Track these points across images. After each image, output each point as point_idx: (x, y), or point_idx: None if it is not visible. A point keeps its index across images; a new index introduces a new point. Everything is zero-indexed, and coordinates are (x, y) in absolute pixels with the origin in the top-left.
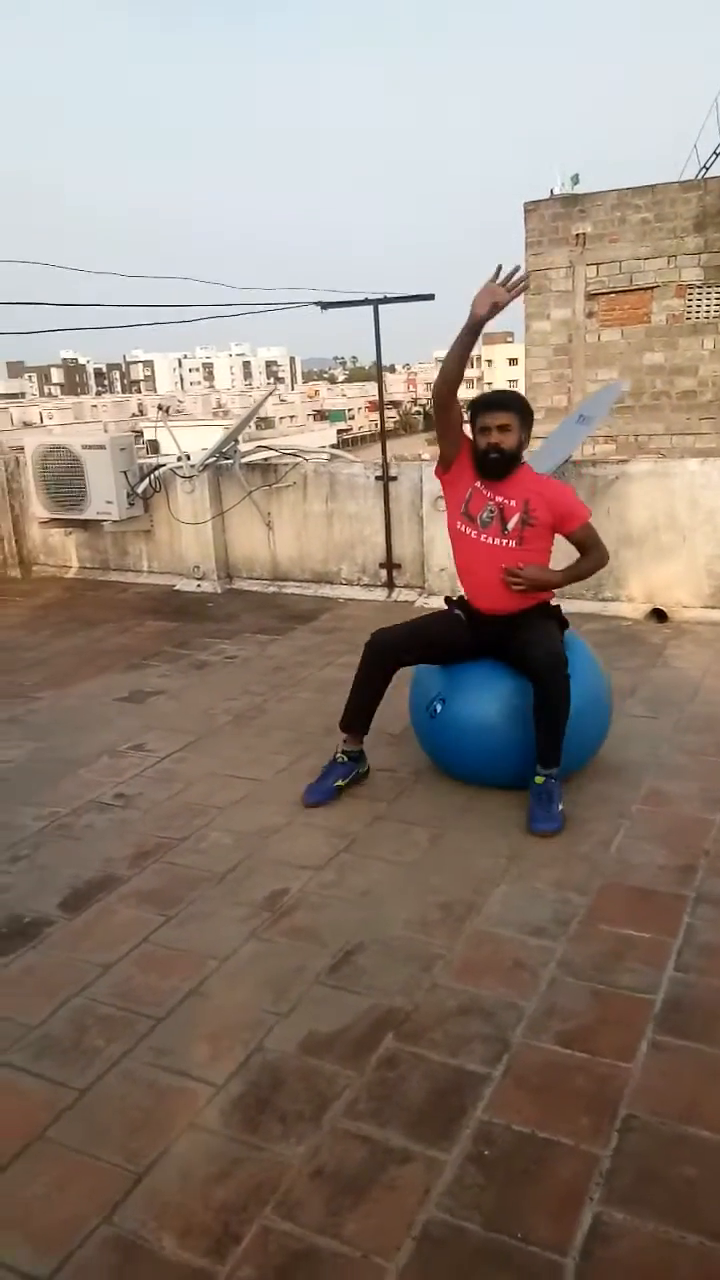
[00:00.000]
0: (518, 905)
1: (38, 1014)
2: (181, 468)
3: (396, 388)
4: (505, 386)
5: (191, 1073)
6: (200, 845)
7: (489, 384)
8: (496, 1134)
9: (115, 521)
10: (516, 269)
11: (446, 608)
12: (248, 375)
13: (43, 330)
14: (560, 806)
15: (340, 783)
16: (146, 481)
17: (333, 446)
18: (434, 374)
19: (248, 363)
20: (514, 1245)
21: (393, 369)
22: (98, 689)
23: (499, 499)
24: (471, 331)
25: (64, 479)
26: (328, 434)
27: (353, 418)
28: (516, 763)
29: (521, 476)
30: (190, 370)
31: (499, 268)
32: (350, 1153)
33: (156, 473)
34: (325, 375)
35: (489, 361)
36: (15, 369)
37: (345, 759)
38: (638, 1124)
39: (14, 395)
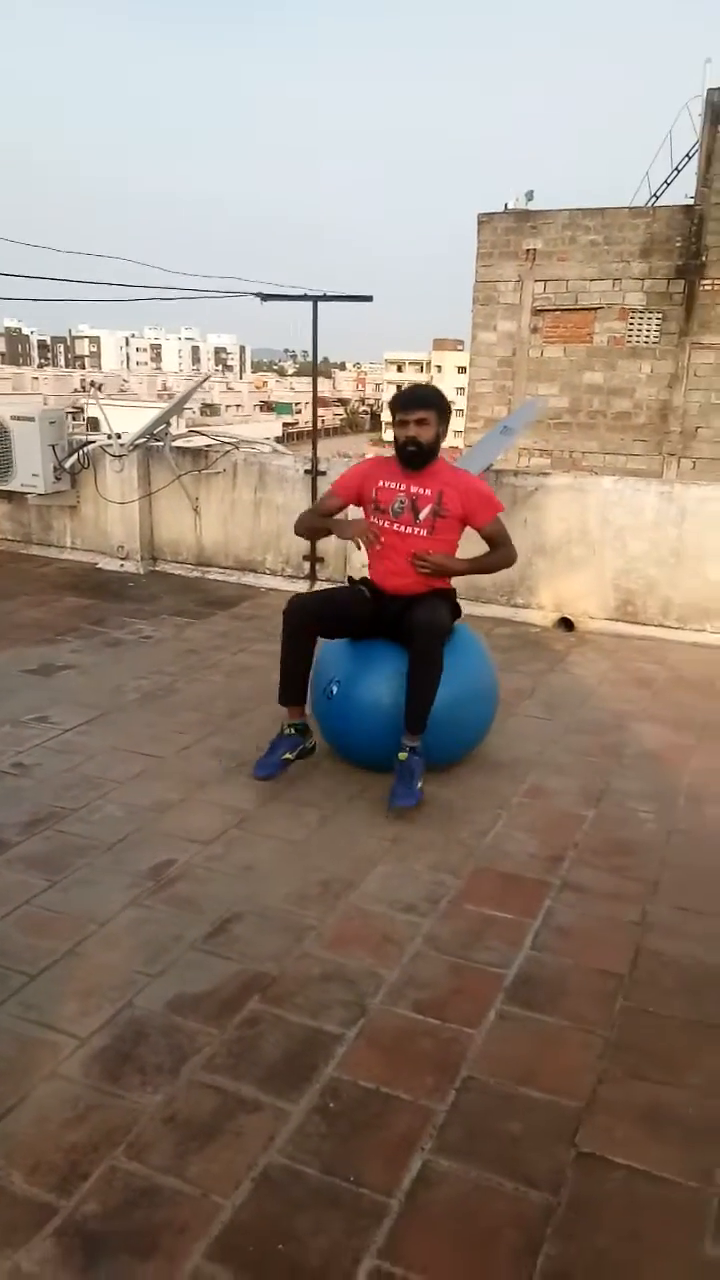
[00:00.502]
0: (393, 884)
1: None
2: (112, 446)
3: (346, 386)
4: (448, 391)
5: (57, 1026)
6: (93, 816)
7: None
8: (343, 1089)
9: (40, 495)
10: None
11: (350, 585)
12: (196, 360)
13: None
14: (420, 784)
15: (288, 755)
16: (75, 457)
17: (276, 439)
18: (384, 374)
19: (196, 347)
20: (345, 1187)
21: (343, 367)
22: (6, 660)
23: (413, 489)
24: (326, 531)
25: None
26: (273, 426)
27: (299, 411)
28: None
29: (438, 469)
30: (138, 350)
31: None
32: (202, 1102)
33: (86, 449)
34: (275, 367)
35: (438, 367)
36: None
37: (291, 731)
38: (475, 1084)
39: None
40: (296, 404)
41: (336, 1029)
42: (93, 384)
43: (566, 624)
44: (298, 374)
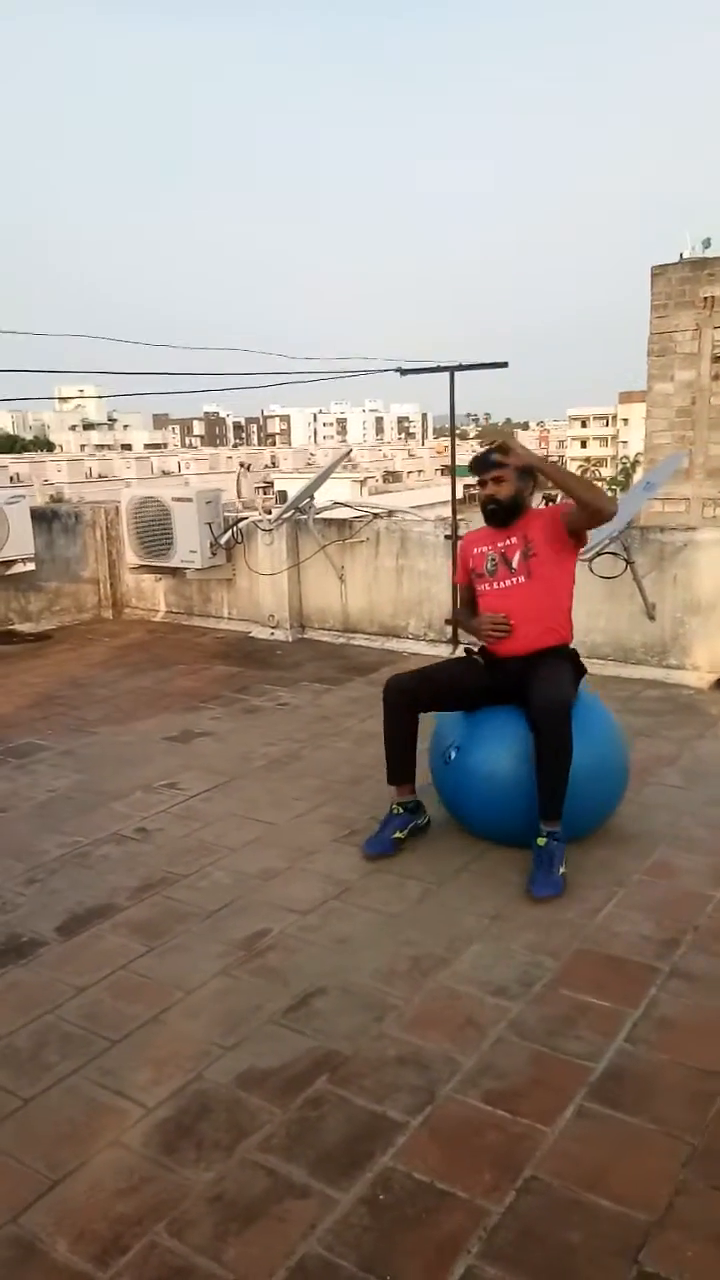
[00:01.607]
0: (486, 964)
1: (7, 1026)
2: (262, 521)
3: (529, 445)
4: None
5: (128, 1093)
6: (200, 883)
7: (624, 441)
8: (396, 1180)
9: (197, 570)
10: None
11: (465, 654)
12: (379, 431)
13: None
14: (563, 870)
15: (399, 834)
16: (229, 533)
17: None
18: (568, 430)
19: (380, 419)
20: None
21: (526, 426)
22: (152, 728)
23: (499, 544)
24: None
25: (154, 528)
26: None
27: None
28: (526, 813)
29: (528, 519)
30: (325, 425)
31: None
32: (252, 1183)
33: (239, 525)
34: (458, 431)
35: (625, 420)
36: (160, 420)
37: (401, 810)
38: (538, 1186)
39: (157, 446)
40: None
41: (401, 1116)
42: (241, 464)
43: None
44: (479, 436)
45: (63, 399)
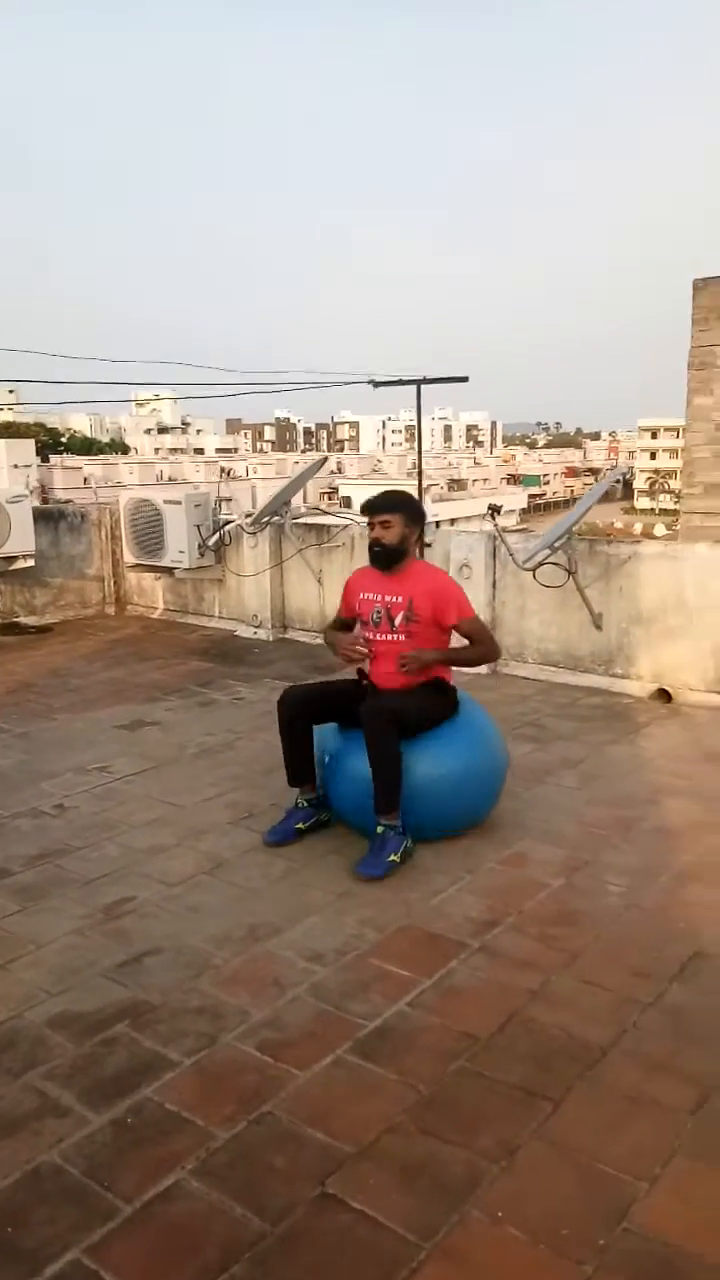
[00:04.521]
0: (315, 935)
1: None
2: (246, 525)
3: (597, 455)
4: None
5: None
6: (92, 854)
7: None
8: (149, 1108)
9: (186, 569)
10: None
11: (357, 678)
12: (448, 438)
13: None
14: (393, 857)
15: (300, 825)
16: (218, 535)
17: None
18: (638, 441)
19: (449, 426)
20: (95, 1190)
21: (597, 436)
22: (107, 716)
23: (386, 598)
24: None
25: (148, 529)
26: (518, 498)
27: (548, 482)
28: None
29: (410, 571)
30: (393, 432)
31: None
32: (23, 1102)
33: (226, 528)
34: (526, 440)
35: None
36: (233, 425)
37: (304, 804)
38: (269, 1119)
39: (228, 450)
40: (545, 475)
41: (178, 1057)
42: (222, 470)
43: (665, 695)
44: (548, 445)
45: (139, 402)
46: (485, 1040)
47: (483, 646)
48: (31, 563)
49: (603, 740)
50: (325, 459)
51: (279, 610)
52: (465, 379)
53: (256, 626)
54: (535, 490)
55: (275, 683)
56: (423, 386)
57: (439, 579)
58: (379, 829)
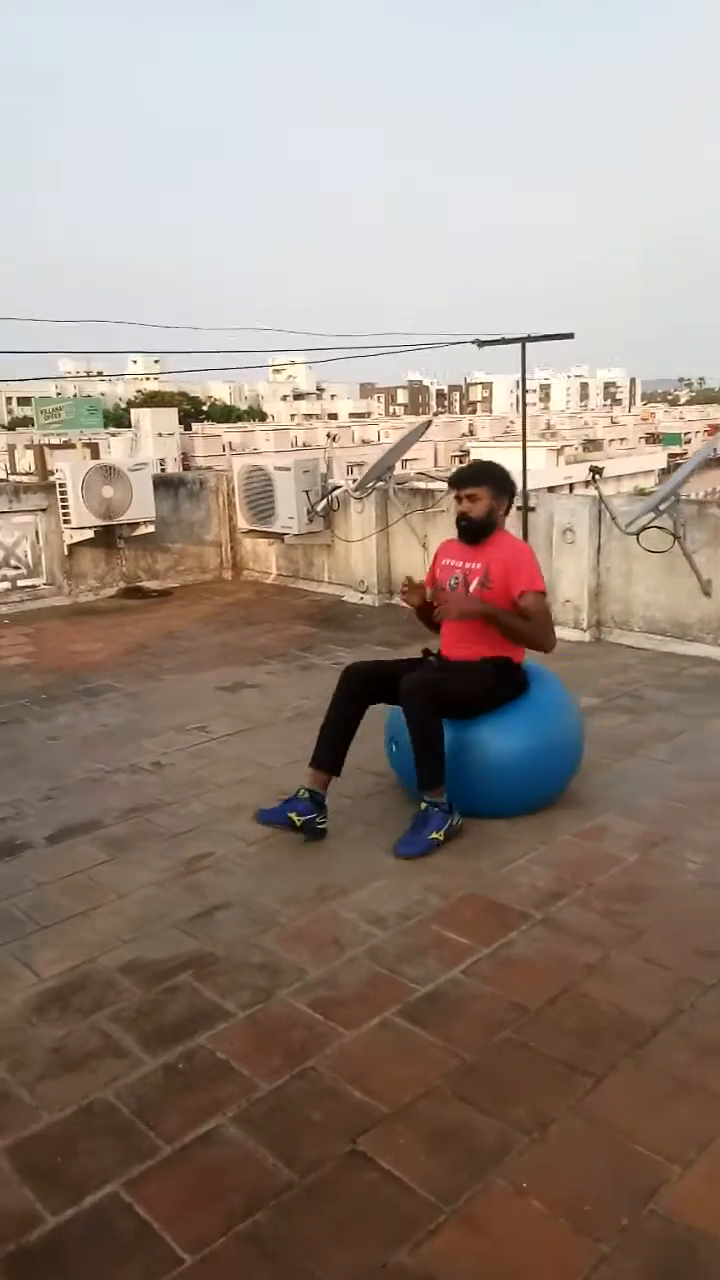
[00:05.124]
0: (380, 898)
1: None
2: (353, 490)
3: None
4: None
5: (33, 966)
6: (180, 810)
7: None
8: (201, 1055)
9: (295, 535)
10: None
11: (422, 655)
12: (584, 396)
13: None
14: (435, 835)
15: (293, 816)
16: (326, 500)
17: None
18: None
19: (585, 384)
20: (139, 1128)
21: None
22: (212, 678)
23: (466, 564)
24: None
25: (259, 495)
26: (657, 458)
27: (689, 441)
28: (462, 788)
29: (493, 541)
30: (529, 392)
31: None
32: (87, 1042)
33: (335, 493)
34: (668, 397)
35: None
36: (366, 390)
37: (306, 796)
38: (311, 1074)
39: (361, 415)
40: (686, 434)
41: (233, 1008)
42: (328, 435)
43: None
44: (690, 402)
45: (276, 368)
46: (534, 1012)
47: (537, 626)
48: (152, 529)
49: (703, 713)
50: (429, 422)
51: (384, 575)
52: (571, 335)
53: (363, 592)
54: (676, 449)
55: (377, 648)
56: (542, 344)
57: (516, 547)
58: (421, 805)
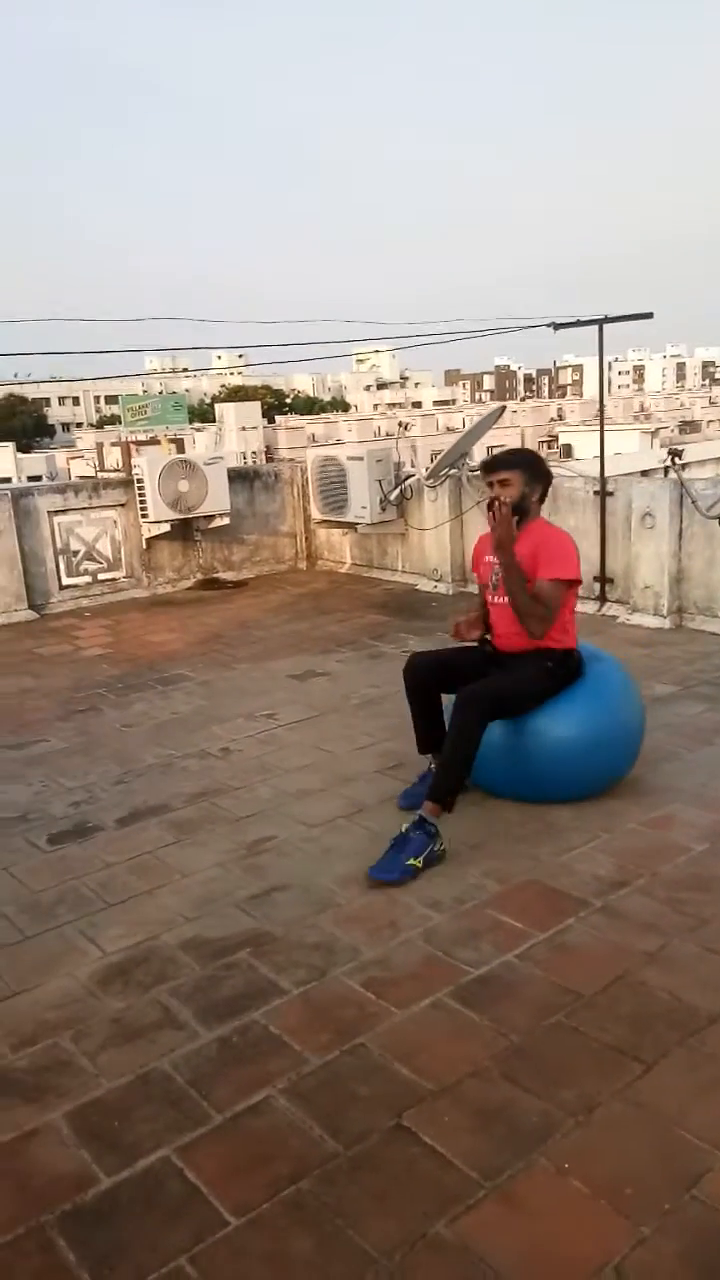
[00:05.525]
0: (438, 882)
1: (45, 884)
2: (427, 479)
3: None
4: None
5: (98, 942)
6: (246, 795)
7: None
8: (255, 1030)
9: (369, 524)
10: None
11: (477, 643)
12: (681, 377)
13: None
14: (413, 861)
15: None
16: (399, 489)
17: None
18: None
19: (682, 364)
20: (193, 1096)
21: None
22: (283, 666)
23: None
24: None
25: (332, 486)
26: None
27: None
28: (521, 776)
29: (529, 530)
30: (620, 374)
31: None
32: (147, 1014)
33: (408, 482)
34: None
35: None
36: (451, 376)
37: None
38: (361, 1051)
39: (446, 402)
40: None
41: (288, 985)
42: (399, 424)
43: None
44: None
45: (359, 358)
46: (588, 998)
47: (540, 609)
48: (227, 521)
49: None
50: (502, 409)
51: (458, 563)
52: (650, 315)
53: (437, 580)
54: None
55: (448, 637)
56: (620, 325)
57: (550, 533)
58: (404, 827)
